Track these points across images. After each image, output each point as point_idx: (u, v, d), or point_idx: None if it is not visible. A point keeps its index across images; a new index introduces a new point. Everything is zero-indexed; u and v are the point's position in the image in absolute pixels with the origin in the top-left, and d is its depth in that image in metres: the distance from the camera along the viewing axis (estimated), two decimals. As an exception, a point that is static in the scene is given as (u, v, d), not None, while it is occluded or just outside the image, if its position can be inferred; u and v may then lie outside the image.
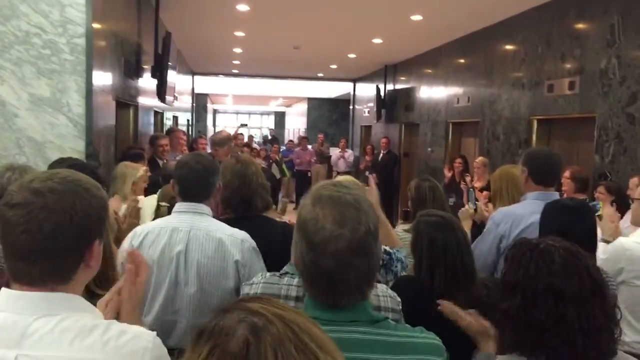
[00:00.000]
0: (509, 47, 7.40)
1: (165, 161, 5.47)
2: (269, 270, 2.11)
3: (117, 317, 1.44)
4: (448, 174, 7.77)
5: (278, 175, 12.00)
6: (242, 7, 7.49)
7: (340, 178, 2.99)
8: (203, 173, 2.45)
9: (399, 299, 1.80)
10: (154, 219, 2.98)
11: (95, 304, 1.59)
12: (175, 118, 10.77)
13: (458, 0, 6.67)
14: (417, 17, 7.65)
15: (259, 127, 30.90)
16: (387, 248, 2.44)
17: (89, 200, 1.23)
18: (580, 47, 5.82)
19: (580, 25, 5.87)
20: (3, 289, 1.22)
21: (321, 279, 1.24)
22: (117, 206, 3.42)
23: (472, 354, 1.93)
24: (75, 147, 3.98)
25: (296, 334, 0.71)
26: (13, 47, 3.89)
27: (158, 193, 3.62)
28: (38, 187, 1.19)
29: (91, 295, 1.71)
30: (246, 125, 24.61)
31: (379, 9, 7.30)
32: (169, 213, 2.56)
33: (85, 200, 1.22)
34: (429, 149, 10.11)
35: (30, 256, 1.18)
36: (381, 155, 11.64)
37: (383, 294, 1.79)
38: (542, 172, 2.83)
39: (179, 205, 2.47)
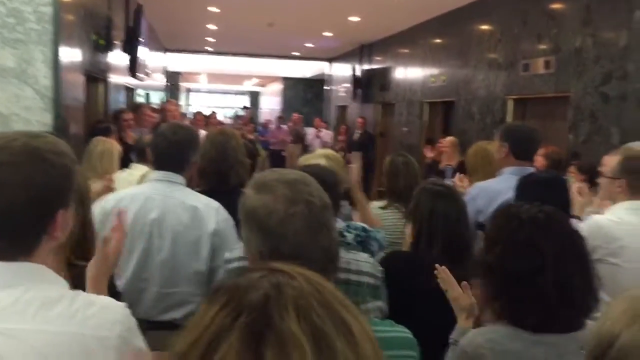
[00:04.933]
0: (485, 26, 7.38)
1: (132, 136, 5.34)
2: None
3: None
4: (430, 154, 7.49)
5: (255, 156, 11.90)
6: (216, -19, 7.33)
7: (320, 151, 2.94)
8: (179, 144, 2.40)
9: (380, 268, 1.78)
10: None
11: (75, 275, 1.53)
12: (147, 95, 10.57)
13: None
14: (394, -5, 7.58)
15: (233, 107, 30.59)
16: (365, 226, 2.41)
17: (48, 171, 1.15)
18: (556, 27, 5.82)
19: (556, 5, 5.87)
20: None
21: None
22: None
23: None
24: (42, 120, 3.85)
25: (321, 293, 0.66)
26: (-25, 15, 3.73)
27: (134, 166, 3.54)
28: None
29: (71, 266, 1.65)
30: (249, 107, 24.16)
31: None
32: None
33: (44, 171, 1.15)
34: (404, 129, 10.11)
35: None
36: (357, 135, 11.61)
37: (364, 259, 1.78)
38: (524, 148, 2.82)
39: (153, 174, 2.45)
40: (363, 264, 1.79)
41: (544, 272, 1.28)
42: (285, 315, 0.61)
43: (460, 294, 1.90)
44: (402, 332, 1.24)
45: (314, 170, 1.95)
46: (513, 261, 1.32)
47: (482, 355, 1.32)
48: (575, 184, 3.42)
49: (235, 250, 1.86)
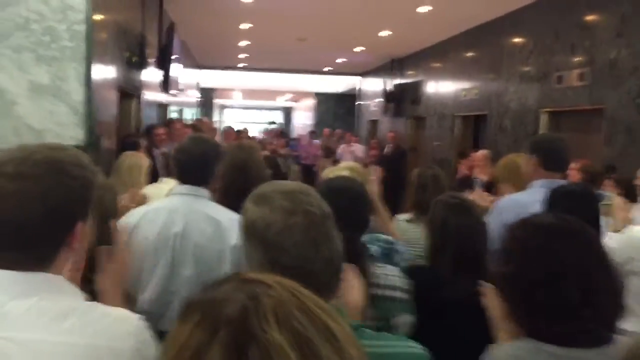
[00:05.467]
0: (517, 39, 7.29)
1: (162, 151, 5.43)
2: None
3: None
4: (463, 168, 7.19)
5: (285, 169, 11.95)
6: (247, -2, 7.43)
7: (343, 164, 2.92)
8: (200, 157, 2.40)
9: (407, 281, 1.75)
10: None
11: (91, 291, 1.53)
12: (180, 112, 10.73)
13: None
14: (425, 9, 7.56)
15: (265, 123, 30.82)
16: (389, 238, 2.38)
17: (67, 184, 1.16)
18: (590, 38, 5.71)
19: (590, 16, 5.76)
20: None
21: None
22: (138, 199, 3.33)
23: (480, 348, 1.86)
24: (74, 136, 3.93)
25: (299, 299, 0.65)
26: (12, 34, 3.84)
27: (164, 180, 3.57)
28: (10, 171, 1.12)
29: (87, 282, 1.66)
30: (275, 122, 24.45)
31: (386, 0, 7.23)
32: None
33: (63, 184, 1.15)
34: (436, 143, 10.03)
35: (5, 242, 1.13)
36: (388, 149, 11.56)
37: (391, 272, 1.75)
38: (554, 158, 2.75)
39: (177, 188, 2.44)
40: (391, 277, 1.76)
41: (563, 278, 1.23)
42: (266, 325, 0.59)
43: (505, 314, 1.84)
44: (416, 347, 1.20)
45: (341, 182, 1.94)
46: (530, 269, 1.28)
47: None
48: (617, 198, 3.33)
49: None
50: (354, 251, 1.55)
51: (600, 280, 1.24)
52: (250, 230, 1.14)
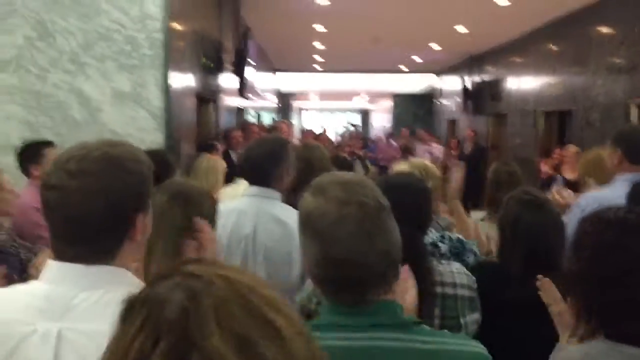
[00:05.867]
0: (603, 29, 6.91)
1: (239, 153, 5.55)
2: None
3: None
4: (545, 167, 6.88)
5: (363, 172, 11.93)
6: (321, 0, 7.47)
7: (413, 162, 2.87)
8: (262, 159, 2.41)
9: (474, 278, 1.69)
10: None
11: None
12: (258, 116, 10.95)
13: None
14: (503, 2, 7.31)
15: (344, 126, 30.95)
16: (460, 237, 2.31)
17: (125, 178, 1.20)
18: (684, 24, 5.33)
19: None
20: (49, 261, 1.22)
21: (336, 272, 1.07)
22: None
23: (546, 348, 1.77)
24: (154, 140, 4.09)
25: (241, 294, 0.61)
26: (96, 44, 4.05)
27: (238, 181, 3.65)
28: (72, 168, 1.17)
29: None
30: (355, 125, 24.62)
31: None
32: None
33: (122, 178, 1.20)
34: (517, 140, 9.69)
35: (69, 237, 1.18)
36: (467, 148, 11.29)
37: (458, 270, 1.72)
38: (638, 151, 2.58)
39: (247, 189, 2.46)
40: (458, 275, 1.71)
41: (636, 275, 1.15)
42: (206, 330, 0.57)
43: (564, 309, 1.74)
44: (475, 346, 1.14)
45: (400, 178, 1.89)
46: (602, 265, 1.20)
47: None
48: None
49: None
50: (413, 248, 1.50)
51: None
52: (305, 221, 1.13)
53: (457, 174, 2.50)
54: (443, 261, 1.80)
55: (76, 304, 1.14)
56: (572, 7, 7.50)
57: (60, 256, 1.20)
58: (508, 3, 7.31)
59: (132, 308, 0.63)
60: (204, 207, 1.86)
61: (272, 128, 7.85)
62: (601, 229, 1.25)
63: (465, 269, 1.77)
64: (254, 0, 7.38)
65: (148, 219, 1.28)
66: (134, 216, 1.23)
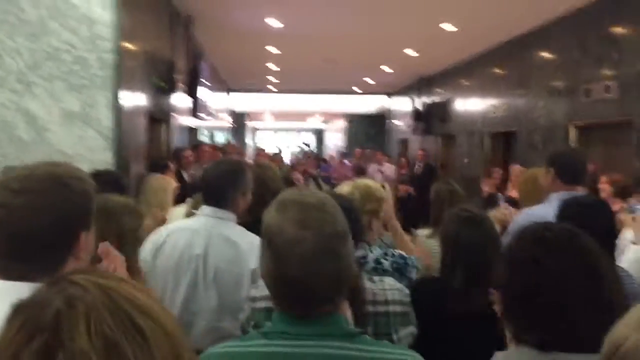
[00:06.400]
0: (544, 54, 7.24)
1: (190, 172, 5.56)
2: None
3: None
4: (486, 187, 7.10)
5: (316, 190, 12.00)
6: (274, 22, 7.58)
7: (357, 181, 2.94)
8: (220, 180, 2.44)
9: (407, 292, 1.76)
10: None
11: None
12: (211, 135, 10.93)
13: (490, 8, 6.59)
14: (449, 27, 7.58)
15: (298, 146, 31.05)
16: (403, 253, 2.38)
17: (68, 196, 1.23)
18: (617, 51, 5.65)
19: (616, 29, 5.70)
20: None
21: (287, 289, 1.15)
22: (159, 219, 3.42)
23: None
24: (104, 160, 4.05)
25: (113, 300, 0.68)
26: (44, 64, 4.01)
27: (189, 201, 3.65)
28: (16, 187, 1.20)
29: None
30: (308, 145, 24.72)
31: (410, 18, 7.29)
32: None
33: (65, 195, 1.23)
34: (465, 160, 9.97)
35: (15, 254, 1.20)
36: (418, 167, 11.53)
37: (390, 287, 1.76)
38: (570, 171, 2.74)
39: (202, 209, 2.47)
40: (390, 292, 1.76)
41: (545, 290, 1.23)
42: (75, 332, 0.63)
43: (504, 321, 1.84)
44: (411, 355, 1.21)
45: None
46: (516, 280, 1.29)
47: None
48: None
49: (262, 288, 1.81)
50: None
51: (584, 289, 1.22)
52: (265, 232, 1.19)
53: (388, 194, 2.57)
54: (375, 278, 1.84)
55: None
56: (515, 33, 7.85)
57: (5, 274, 1.21)
58: (455, 29, 7.58)
59: (17, 310, 0.68)
60: (124, 222, 1.90)
61: (223, 148, 7.86)
62: (520, 245, 1.33)
63: (398, 284, 1.81)
64: (206, 21, 7.41)
65: (90, 237, 1.31)
66: (78, 233, 1.26)
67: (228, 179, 2.45)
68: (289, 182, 4.36)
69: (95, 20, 4.06)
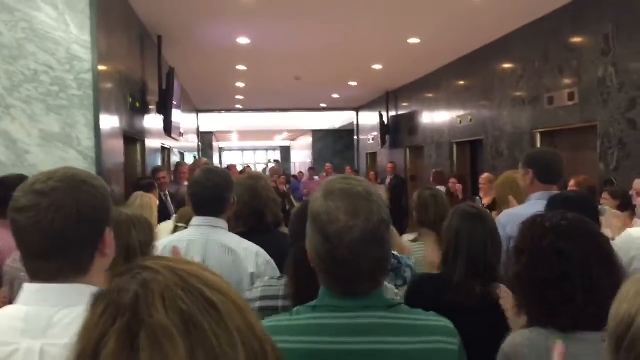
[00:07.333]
0: (506, 64, 7.50)
1: (165, 193, 5.63)
2: None
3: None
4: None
5: (287, 206, 12.03)
6: (243, 40, 7.66)
7: None
8: (215, 189, 2.49)
9: (396, 291, 1.85)
10: None
11: None
12: (182, 155, 10.90)
13: (453, 21, 6.81)
14: (414, 41, 7.79)
15: (265, 163, 31.07)
16: (396, 253, 2.46)
17: (91, 192, 1.28)
18: (576, 59, 5.90)
19: (575, 37, 5.96)
20: (25, 284, 1.26)
21: (337, 269, 1.27)
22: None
23: (489, 351, 1.94)
24: (85, 180, 4.04)
25: (184, 279, 0.74)
26: (22, 86, 4.01)
27: (174, 216, 3.68)
28: (40, 188, 1.24)
29: None
30: (278, 161, 24.82)
31: (376, 34, 7.46)
32: None
33: (88, 192, 1.28)
34: (434, 170, 10.17)
35: (45, 254, 1.23)
36: (388, 180, 11.71)
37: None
38: (548, 171, 2.87)
39: (194, 220, 2.51)
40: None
41: (570, 277, 1.33)
42: (153, 310, 0.69)
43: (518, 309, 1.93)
44: (445, 321, 1.35)
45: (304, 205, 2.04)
46: (539, 269, 1.38)
47: (520, 353, 1.38)
48: (612, 209, 3.44)
49: (256, 290, 1.97)
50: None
51: (603, 273, 1.33)
52: (315, 219, 1.29)
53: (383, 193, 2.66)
54: None
55: (57, 321, 1.20)
56: (477, 45, 8.10)
57: (36, 276, 1.25)
58: (418, 41, 7.79)
59: (98, 298, 0.75)
60: (133, 236, 1.96)
61: (194, 164, 7.86)
62: (538, 236, 1.43)
63: (390, 285, 1.92)
64: (175, 42, 7.45)
65: (112, 235, 1.35)
66: (103, 229, 1.30)
67: (220, 188, 2.51)
68: (279, 192, 4.42)
69: (72, 41, 4.09)
